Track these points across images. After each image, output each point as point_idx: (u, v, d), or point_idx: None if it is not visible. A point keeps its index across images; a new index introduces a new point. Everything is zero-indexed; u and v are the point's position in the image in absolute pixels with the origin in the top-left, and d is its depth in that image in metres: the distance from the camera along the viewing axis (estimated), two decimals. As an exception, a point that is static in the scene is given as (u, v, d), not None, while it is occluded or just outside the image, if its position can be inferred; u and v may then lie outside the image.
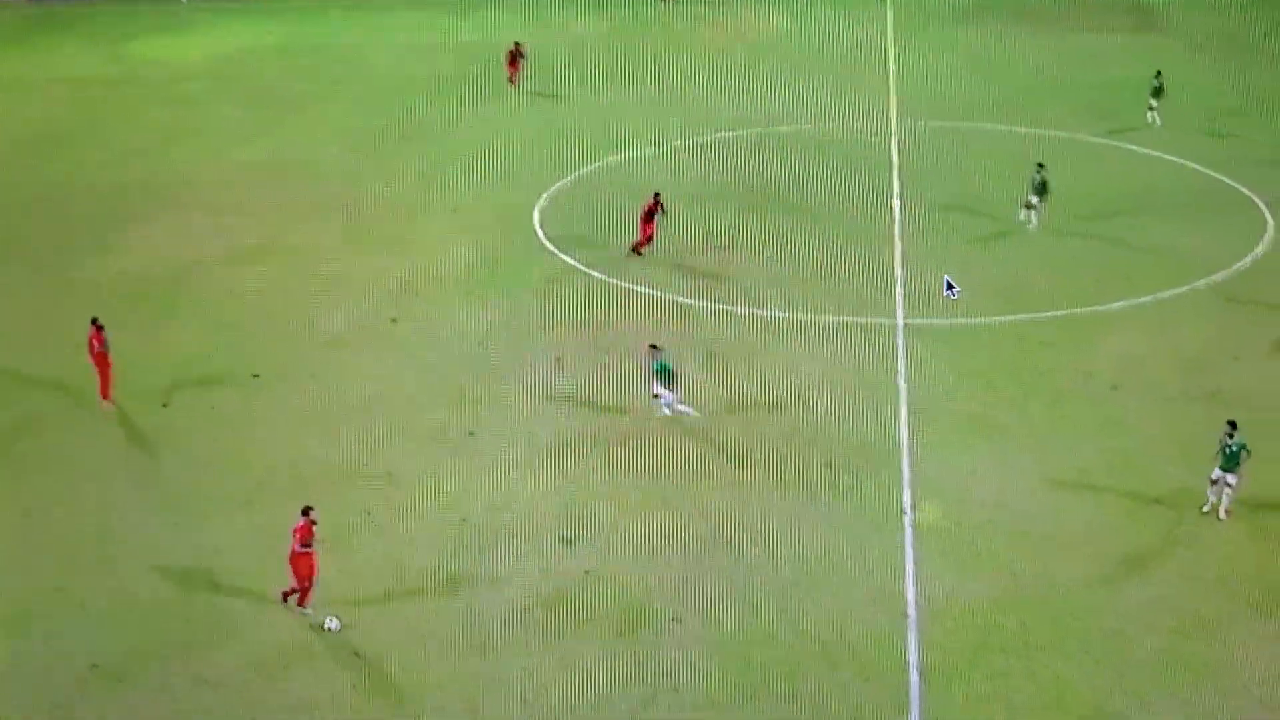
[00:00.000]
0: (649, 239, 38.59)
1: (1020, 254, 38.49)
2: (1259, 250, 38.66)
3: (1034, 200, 40.30)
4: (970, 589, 23.94)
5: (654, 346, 29.88)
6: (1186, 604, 23.61)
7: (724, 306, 35.37)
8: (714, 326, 34.34)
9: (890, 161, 46.20)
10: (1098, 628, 23.06)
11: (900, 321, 34.23)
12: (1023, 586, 24.08)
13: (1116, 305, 35.10)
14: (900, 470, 27.57)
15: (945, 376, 31.59)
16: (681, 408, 29.48)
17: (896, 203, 42.20)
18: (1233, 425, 25.83)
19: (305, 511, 23.22)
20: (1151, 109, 49.73)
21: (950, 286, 26.39)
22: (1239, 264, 37.66)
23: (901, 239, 39.34)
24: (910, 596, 23.71)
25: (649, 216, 38.47)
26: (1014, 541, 25.35)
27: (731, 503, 26.61)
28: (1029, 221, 40.24)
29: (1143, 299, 35.43)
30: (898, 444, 28.54)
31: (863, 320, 34.36)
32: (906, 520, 25.90)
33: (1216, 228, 40.25)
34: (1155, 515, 26.14)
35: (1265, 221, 40.55)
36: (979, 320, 34.33)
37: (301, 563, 23.13)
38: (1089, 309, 34.93)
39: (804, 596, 23.83)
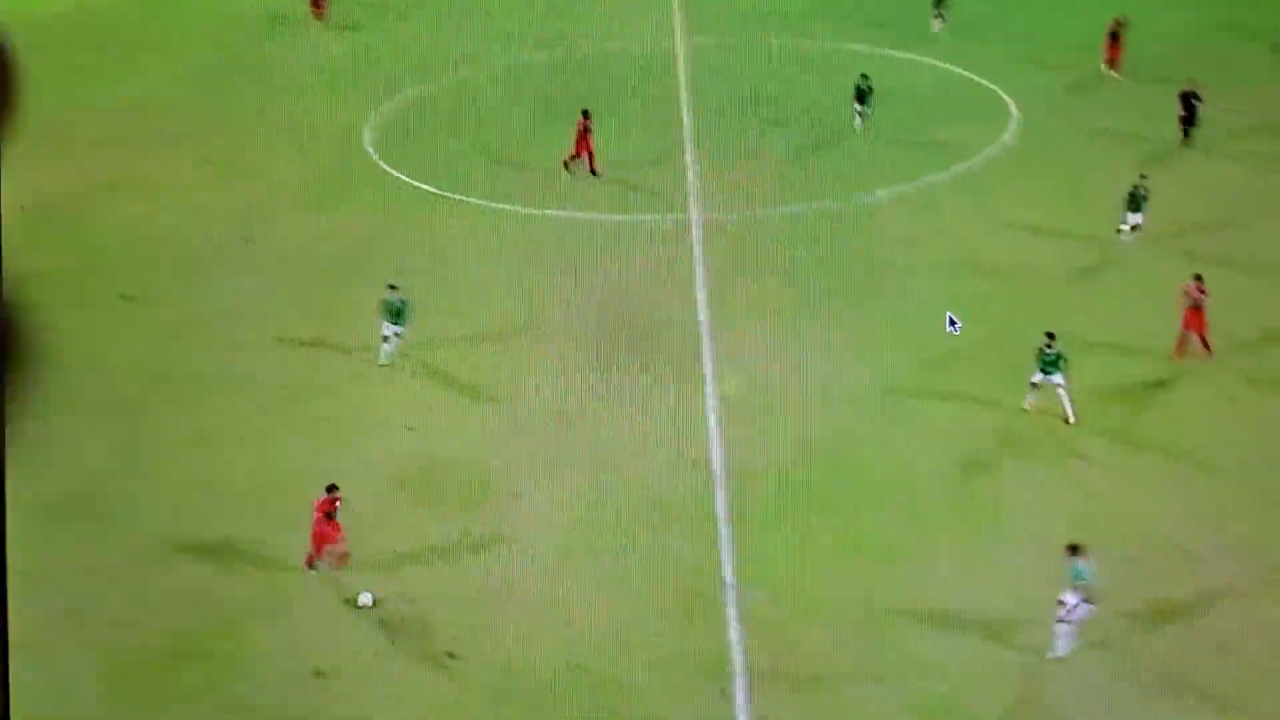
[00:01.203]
0: (580, 155, 38.69)
1: (803, 152, 40.14)
2: (1007, 138, 41.24)
3: (859, 107, 41.16)
4: (772, 450, 25.41)
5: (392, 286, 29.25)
6: (967, 453, 25.46)
7: (540, 211, 36.62)
8: (539, 228, 35.70)
9: (678, 74, 47.24)
10: (888, 477, 24.87)
11: (696, 216, 35.61)
12: (820, 445, 25.66)
13: (888, 192, 37.29)
14: (701, 349, 29.00)
15: (740, 265, 33.03)
16: None
17: (688, 110, 43.36)
18: (1050, 336, 26.55)
19: (329, 489, 22.64)
20: (937, 16, 50.91)
21: (953, 322, 27.80)
22: (990, 150, 40.13)
23: (694, 142, 40.74)
24: (723, 459, 25.17)
25: (582, 134, 38.70)
26: (809, 406, 26.82)
27: (559, 386, 27.81)
28: (857, 126, 41.00)
29: (909, 186, 37.68)
30: (698, 326, 29.96)
31: (662, 218, 35.82)
32: (710, 392, 27.38)
33: (973, 120, 42.48)
34: (932, 373, 28.08)
35: (1020, 115, 42.88)
36: (767, 212, 36.09)
37: (321, 531, 22.64)
38: (867, 197, 36.96)
39: (629, 463, 25.19)
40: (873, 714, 19.36)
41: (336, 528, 22.65)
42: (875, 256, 33.40)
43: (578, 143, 38.85)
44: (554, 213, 36.16)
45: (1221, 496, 24.15)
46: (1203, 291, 28.20)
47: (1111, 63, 45.91)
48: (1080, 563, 20.07)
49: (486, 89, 46.62)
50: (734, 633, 20.94)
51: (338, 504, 22.65)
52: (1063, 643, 20.00)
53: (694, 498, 24.19)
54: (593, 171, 38.66)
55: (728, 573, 22.26)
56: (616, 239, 34.56)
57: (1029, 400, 26.60)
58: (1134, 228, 33.39)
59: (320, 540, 22.69)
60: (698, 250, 33.75)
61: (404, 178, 38.90)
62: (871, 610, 21.39)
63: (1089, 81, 45.52)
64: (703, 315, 30.47)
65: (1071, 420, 26.23)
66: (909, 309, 30.73)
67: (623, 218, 35.72)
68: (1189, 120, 39.82)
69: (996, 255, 33.29)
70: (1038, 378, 26.51)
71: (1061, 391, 26.32)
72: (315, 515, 22.66)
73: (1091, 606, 19.89)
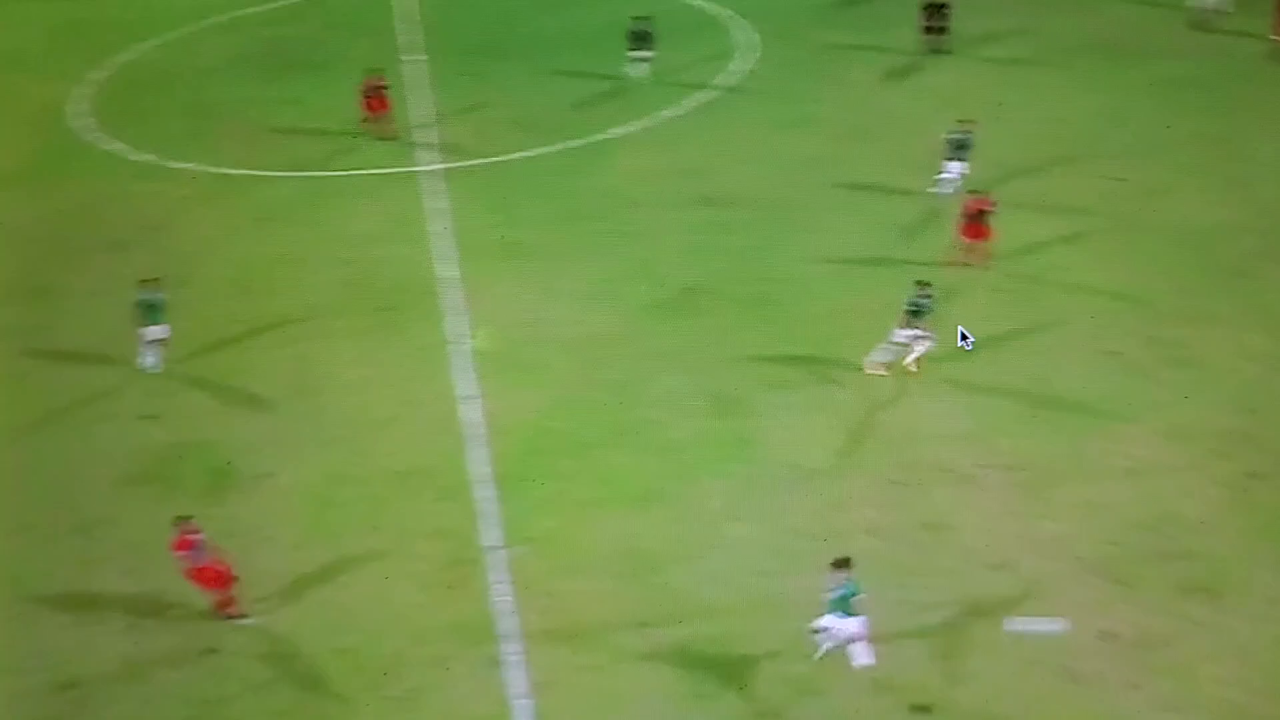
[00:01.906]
0: (376, 114, 36.54)
1: (543, 92, 39.51)
2: (745, 65, 41.06)
3: (636, 53, 39.67)
4: (526, 400, 24.82)
5: None
6: (711, 386, 25.17)
7: (268, 173, 35.18)
8: (269, 191, 34.21)
9: (394, 18, 46.23)
10: (640, 418, 24.39)
11: (434, 167, 34.70)
12: (570, 392, 25.14)
13: (626, 129, 36.81)
14: (451, 302, 28.16)
15: (483, 212, 32.18)
16: None
17: (420, 57, 42.36)
18: (924, 285, 25.41)
19: (177, 523, 20.02)
20: None
21: (965, 337, 27.42)
22: (728, 79, 39.95)
23: (432, 89, 39.81)
24: (475, 417, 24.40)
25: (372, 92, 36.46)
26: (558, 352, 26.37)
27: (302, 355, 26.84)
28: (638, 71, 39.64)
29: (648, 120, 37.31)
30: (446, 279, 29.11)
31: (400, 169, 34.79)
32: (461, 347, 26.59)
33: (709, 49, 42.22)
34: (674, 312, 27.67)
35: (756, 41, 42.86)
36: (507, 157, 35.28)
37: (201, 575, 20.10)
38: (603, 134, 36.42)
39: (380, 433, 24.22)
40: (647, 659, 18.96)
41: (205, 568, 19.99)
42: (618, 195, 32.94)
43: (370, 102, 36.67)
44: (284, 174, 34.81)
45: (985, 414, 24.32)
46: (989, 204, 28.28)
47: None
48: (844, 581, 18.30)
49: (208, 45, 44.82)
50: (500, 595, 20.31)
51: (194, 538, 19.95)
52: (862, 655, 18.61)
53: (450, 461, 23.32)
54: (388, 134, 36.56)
55: (489, 535, 21.56)
56: (352, 195, 33.37)
57: (877, 359, 25.37)
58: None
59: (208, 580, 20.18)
60: (439, 202, 32.84)
61: (120, 148, 36.95)
62: (636, 555, 20.94)
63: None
64: (447, 269, 29.52)
65: (914, 370, 25.22)
66: (653, 246, 30.42)
67: (356, 173, 34.54)
68: (937, 30, 40.42)
69: (737, 186, 33.17)
70: (904, 334, 25.17)
71: (923, 345, 25.17)
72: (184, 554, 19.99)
73: (861, 621, 18.44)
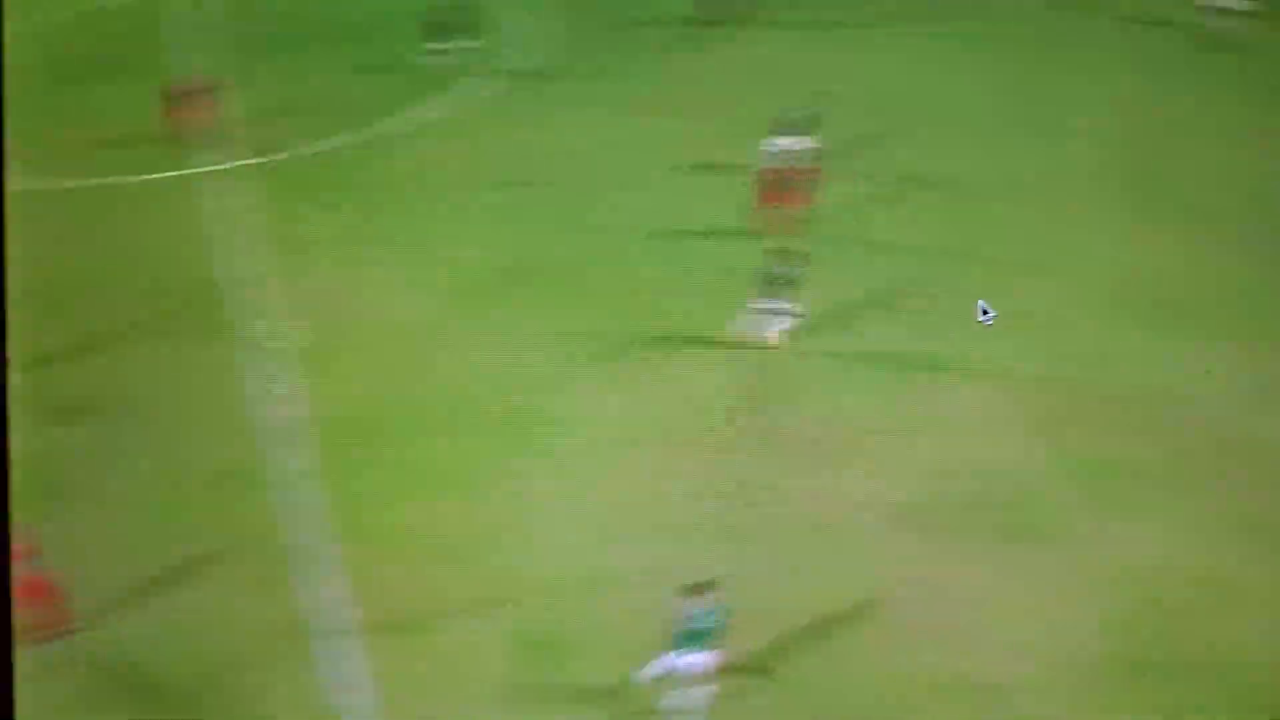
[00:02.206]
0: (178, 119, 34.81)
1: (329, 82, 39.02)
2: (542, 43, 41.15)
3: (440, 43, 38.88)
4: (342, 393, 24.57)
5: None
6: (532, 366, 25.13)
7: (69, 182, 34.08)
8: (68, 202, 33.20)
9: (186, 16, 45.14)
10: (459, 402, 24.27)
11: (236, 164, 33.87)
12: (387, 381, 24.93)
13: (430, 114, 36.69)
14: (261, 300, 27.68)
15: (288, 207, 31.63)
16: None
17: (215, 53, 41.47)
18: (782, 253, 25.36)
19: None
20: None
21: (985, 312, 27.63)
22: (524, 61, 40.01)
23: (233, 85, 38.94)
24: (291, 413, 24.03)
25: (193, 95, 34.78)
26: (372, 342, 26.12)
27: (114, 361, 26.05)
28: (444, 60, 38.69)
29: (451, 105, 37.28)
30: (254, 277, 28.60)
31: (204, 170, 34.02)
32: (272, 345, 26.13)
33: (503, 30, 41.72)
34: (489, 294, 27.58)
35: (546, 20, 42.59)
36: (310, 150, 34.79)
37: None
38: (407, 120, 36.17)
39: (195, 437, 23.64)
40: (483, 643, 19.00)
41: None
42: (425, 181, 32.78)
43: (174, 105, 35.02)
44: (85, 182, 33.85)
45: (800, 376, 24.89)
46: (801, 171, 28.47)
47: None
48: (699, 607, 16.71)
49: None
50: (329, 590, 20.29)
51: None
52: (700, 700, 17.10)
53: (268, 459, 22.96)
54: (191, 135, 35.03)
55: (313, 531, 21.41)
56: (155, 199, 32.61)
57: (741, 327, 25.33)
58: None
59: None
60: (243, 199, 32.28)
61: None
62: (463, 539, 20.93)
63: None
64: (255, 267, 28.98)
65: (777, 345, 25.25)
66: (464, 229, 30.36)
67: (159, 177, 33.83)
68: None
69: (545, 166, 33.22)
70: (765, 303, 25.17)
71: (785, 319, 25.18)
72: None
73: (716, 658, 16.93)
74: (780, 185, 28.46)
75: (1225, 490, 21.23)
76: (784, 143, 30.34)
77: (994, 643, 18.53)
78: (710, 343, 25.49)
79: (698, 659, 16.65)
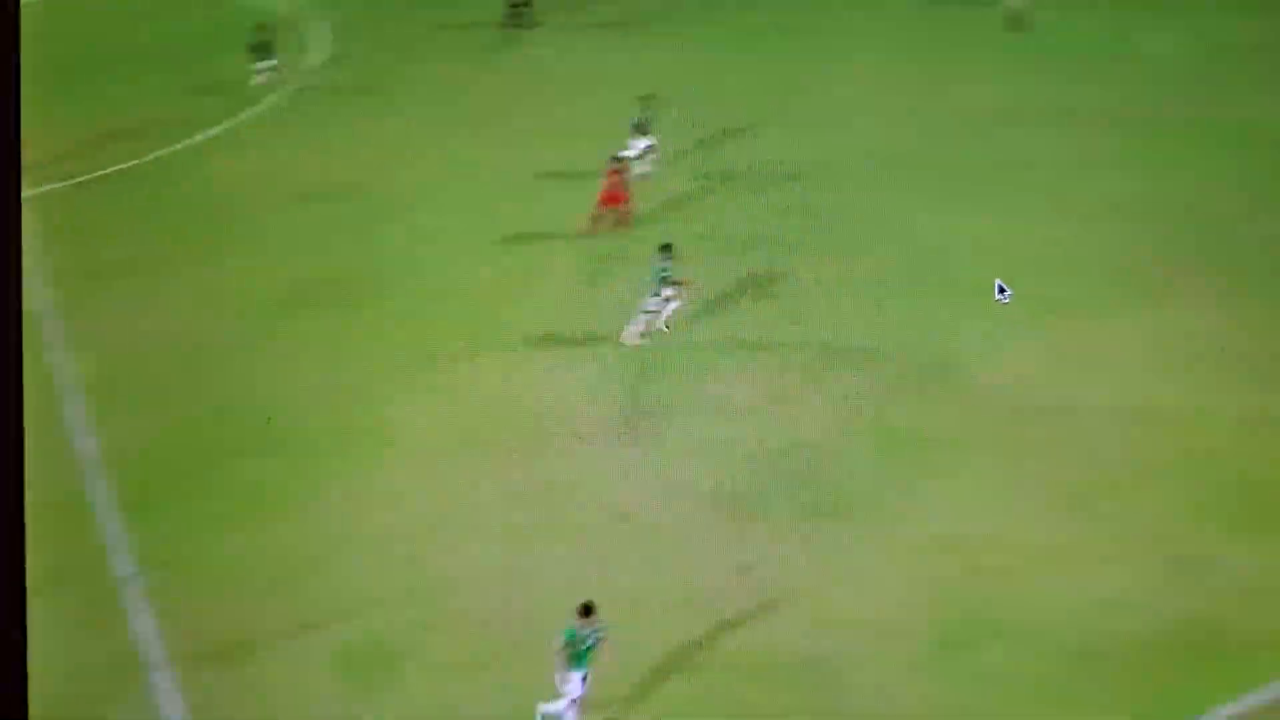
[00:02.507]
0: None
1: (121, 101, 38.21)
2: (331, 58, 40.79)
3: (260, 64, 38.44)
4: (144, 423, 24.03)
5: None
6: (340, 380, 25.03)
7: None
8: None
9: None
10: (267, 423, 24.00)
11: (30, 192, 33.12)
12: (192, 406, 24.47)
13: (222, 131, 36.02)
14: (56, 333, 26.96)
15: (84, 234, 31.12)
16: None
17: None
18: (666, 249, 25.57)
19: None
20: None
21: (1002, 290, 27.29)
22: (317, 77, 39.56)
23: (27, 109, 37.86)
24: (92, 446, 23.48)
25: None
26: (174, 367, 25.68)
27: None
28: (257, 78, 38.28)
29: (243, 121, 36.68)
30: (49, 308, 27.76)
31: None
32: (69, 378, 25.53)
33: (294, 46, 41.74)
34: (294, 310, 27.37)
35: (332, 34, 42.41)
36: (102, 173, 34.10)
37: None
38: (200, 138, 35.62)
39: None
40: (304, 665, 18.65)
41: None
42: (222, 198, 32.36)
43: None
44: None
45: (594, 373, 25.12)
46: (618, 173, 28.80)
47: None
48: (588, 627, 16.50)
49: None
50: (144, 624, 19.79)
51: None
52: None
53: (72, 495, 22.27)
54: None
55: (123, 565, 20.81)
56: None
57: (634, 331, 25.52)
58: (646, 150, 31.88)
59: None
60: (37, 226, 31.46)
61: None
62: (280, 561, 20.60)
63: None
64: (50, 298, 28.28)
65: (665, 329, 25.52)
66: (265, 246, 30.03)
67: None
68: (522, 3, 40.67)
69: (340, 178, 33.04)
70: (654, 301, 25.32)
71: (672, 305, 25.45)
72: None
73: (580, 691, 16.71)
74: (618, 187, 28.93)
75: (1023, 456, 22.03)
76: (637, 145, 30.89)
77: (812, 618, 18.92)
78: (524, 345, 25.71)
79: (578, 676, 16.76)
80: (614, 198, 28.97)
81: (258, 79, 38.22)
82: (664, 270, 25.37)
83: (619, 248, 28.72)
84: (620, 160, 29.27)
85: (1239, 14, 39.09)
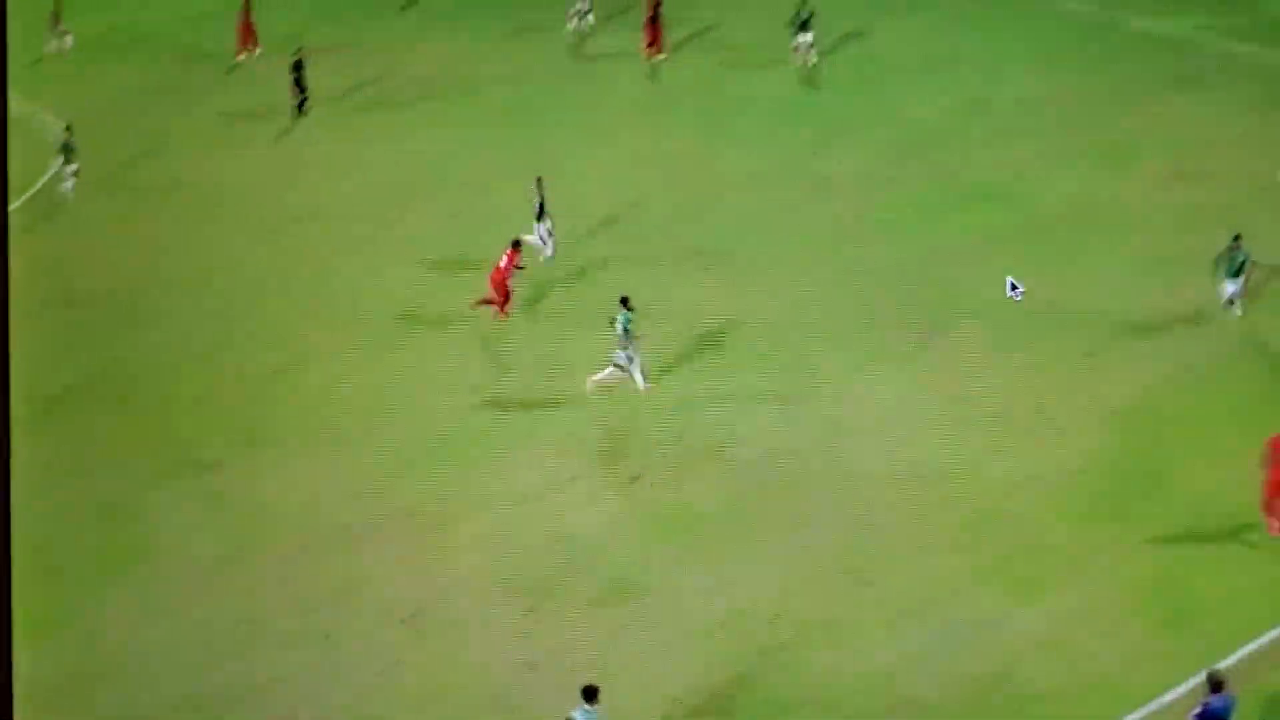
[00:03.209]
0: None
1: None
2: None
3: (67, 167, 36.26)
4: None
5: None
6: (97, 494, 24.26)
7: None
8: None
9: None
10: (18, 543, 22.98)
11: None
12: None
13: None
14: None
15: None
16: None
17: None
18: (625, 301, 25.12)
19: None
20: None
21: (1015, 287, 25.99)
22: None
23: None
24: None
25: None
26: None
27: None
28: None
29: None
30: None
31: None
32: None
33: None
34: (48, 422, 26.11)
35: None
36: None
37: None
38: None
39: None
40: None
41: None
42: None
43: None
44: None
45: (372, 464, 24.78)
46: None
47: (248, 45, 44.54)
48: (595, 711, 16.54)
49: None
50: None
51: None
52: None
53: None
54: None
55: None
56: None
57: (600, 379, 25.17)
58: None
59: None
60: None
61: None
62: (57, 685, 19.57)
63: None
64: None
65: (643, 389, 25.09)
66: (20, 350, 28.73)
67: None
68: (299, 88, 39.72)
69: (93, 283, 32.01)
70: (621, 354, 24.94)
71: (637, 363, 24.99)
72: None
73: None
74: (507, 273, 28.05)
75: (799, 527, 22.28)
76: (540, 229, 30.09)
77: (608, 706, 18.73)
78: (297, 437, 25.30)
79: None
80: (502, 282, 28.01)
81: (65, 185, 36.15)
82: (626, 322, 24.99)
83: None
84: (519, 245, 28.47)
85: (1005, 71, 40.52)
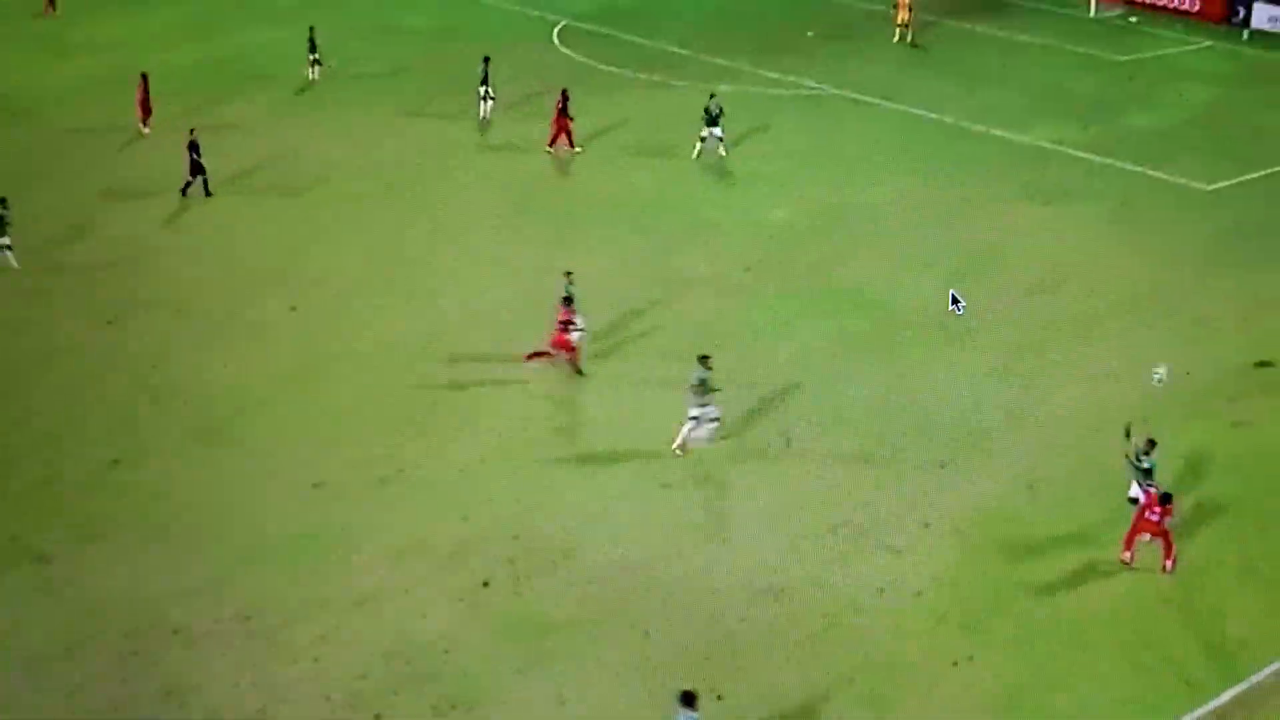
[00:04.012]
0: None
1: None
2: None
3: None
4: None
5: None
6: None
7: None
8: None
9: None
10: None
11: None
12: None
13: None
14: None
15: None
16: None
17: None
18: (705, 359, 26.54)
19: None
20: None
21: (956, 301, 25.28)
22: None
23: None
24: None
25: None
26: None
27: None
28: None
29: None
30: None
31: None
32: None
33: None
34: None
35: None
36: None
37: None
38: None
39: None
40: None
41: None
42: None
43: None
44: None
45: (206, 564, 24.09)
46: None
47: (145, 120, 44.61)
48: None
49: None
50: None
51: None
52: None
53: None
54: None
55: None
56: None
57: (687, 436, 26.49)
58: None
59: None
60: None
61: None
62: None
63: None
64: None
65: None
66: None
67: None
68: (196, 169, 39.24)
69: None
70: (697, 409, 26.39)
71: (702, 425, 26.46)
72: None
73: None
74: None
75: (651, 633, 21.94)
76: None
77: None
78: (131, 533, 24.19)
79: None
80: (562, 342, 29.34)
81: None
82: (704, 377, 26.31)
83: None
84: (570, 300, 29.40)
85: (868, 174, 41.08)
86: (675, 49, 56.02)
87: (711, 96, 43.21)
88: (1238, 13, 62.14)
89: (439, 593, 22.89)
